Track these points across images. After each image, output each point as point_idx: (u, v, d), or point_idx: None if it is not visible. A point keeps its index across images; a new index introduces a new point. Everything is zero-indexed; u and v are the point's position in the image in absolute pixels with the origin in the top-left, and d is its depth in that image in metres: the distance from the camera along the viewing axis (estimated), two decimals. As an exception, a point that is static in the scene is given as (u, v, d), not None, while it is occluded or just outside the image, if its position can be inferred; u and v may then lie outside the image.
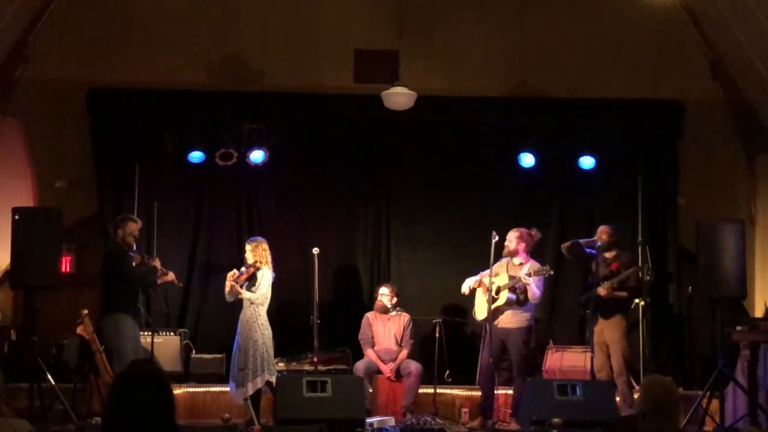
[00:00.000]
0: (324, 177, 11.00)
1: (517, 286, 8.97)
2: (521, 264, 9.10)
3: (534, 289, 8.95)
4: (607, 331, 8.99)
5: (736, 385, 8.76)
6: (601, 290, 8.96)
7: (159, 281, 9.04)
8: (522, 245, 9.11)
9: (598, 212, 10.95)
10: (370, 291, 10.83)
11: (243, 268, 9.05)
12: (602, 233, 9.20)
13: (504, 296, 8.99)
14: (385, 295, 9.84)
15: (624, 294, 9.00)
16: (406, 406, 9.31)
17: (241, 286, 8.91)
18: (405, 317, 9.86)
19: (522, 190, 10.93)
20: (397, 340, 9.76)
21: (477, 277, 9.16)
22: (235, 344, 8.92)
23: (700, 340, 10.31)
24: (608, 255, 9.17)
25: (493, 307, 8.96)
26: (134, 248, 8.96)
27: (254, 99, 10.79)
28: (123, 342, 8.57)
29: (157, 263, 8.98)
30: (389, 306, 9.81)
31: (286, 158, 10.78)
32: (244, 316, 8.91)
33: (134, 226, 8.94)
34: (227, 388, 9.28)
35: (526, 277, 8.89)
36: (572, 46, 11.01)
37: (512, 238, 9.12)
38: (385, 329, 9.80)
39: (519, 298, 8.99)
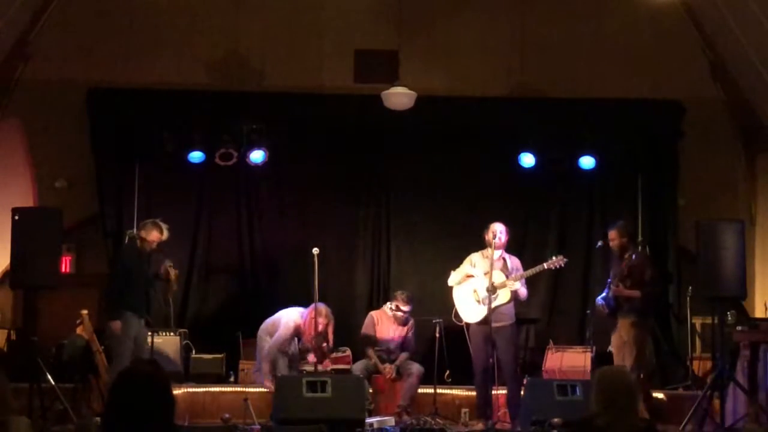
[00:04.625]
0: (324, 177, 10.99)
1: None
2: (502, 258, 9.08)
3: (523, 290, 9.02)
4: (623, 331, 8.87)
5: (736, 385, 8.75)
6: (612, 288, 8.93)
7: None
8: (507, 237, 9.12)
9: (598, 212, 10.96)
10: (370, 291, 10.84)
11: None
12: (610, 239, 9.11)
13: (507, 294, 8.94)
14: (403, 311, 9.72)
15: (637, 293, 8.89)
16: (402, 406, 9.27)
17: None
18: (409, 321, 9.84)
19: (522, 190, 10.93)
20: (398, 341, 9.75)
21: (461, 273, 9.12)
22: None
23: (700, 340, 10.30)
24: (624, 255, 9.06)
25: (494, 306, 8.91)
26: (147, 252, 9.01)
27: (254, 99, 10.79)
28: (121, 344, 8.62)
29: (172, 273, 9.08)
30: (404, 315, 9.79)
31: (286, 158, 10.77)
32: None
33: (155, 235, 8.95)
34: (227, 388, 9.29)
35: (547, 265, 8.99)
36: (572, 46, 11.01)
37: (503, 230, 9.08)
38: (388, 330, 9.78)
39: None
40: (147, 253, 8.99)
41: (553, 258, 9.10)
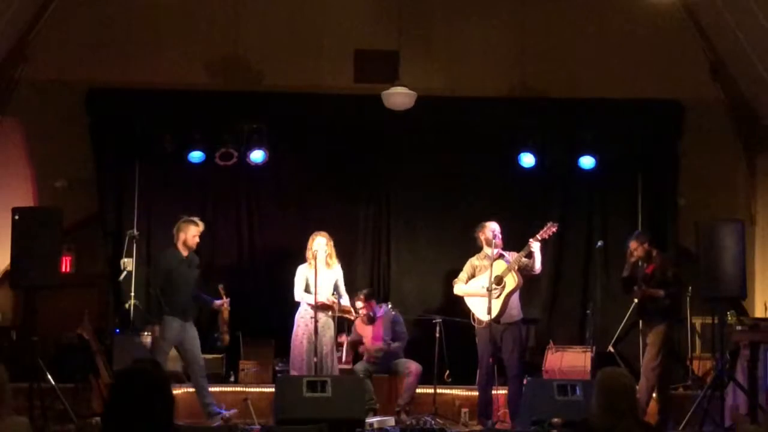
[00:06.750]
0: (324, 177, 11.00)
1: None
2: (500, 255, 9.06)
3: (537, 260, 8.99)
4: (653, 337, 8.96)
5: (736, 385, 8.75)
6: (636, 294, 8.98)
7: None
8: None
9: (598, 212, 10.98)
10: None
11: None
12: (632, 250, 9.12)
13: (513, 278, 8.90)
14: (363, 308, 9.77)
15: (660, 293, 8.92)
16: (401, 406, 9.27)
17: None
18: (388, 313, 9.82)
19: (522, 190, 10.93)
20: (384, 334, 9.72)
21: (468, 288, 9.09)
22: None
23: (701, 340, 10.30)
24: (650, 259, 9.10)
25: (505, 293, 8.86)
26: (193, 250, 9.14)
27: (254, 99, 10.79)
28: (165, 345, 8.85)
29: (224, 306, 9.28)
30: (372, 314, 9.78)
31: (286, 158, 10.78)
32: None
33: (195, 229, 9.04)
34: (227, 388, 9.26)
35: (540, 236, 8.95)
36: (572, 46, 11.01)
37: (498, 228, 9.08)
38: (374, 329, 9.77)
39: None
40: (192, 254, 9.11)
41: (544, 228, 9.04)
